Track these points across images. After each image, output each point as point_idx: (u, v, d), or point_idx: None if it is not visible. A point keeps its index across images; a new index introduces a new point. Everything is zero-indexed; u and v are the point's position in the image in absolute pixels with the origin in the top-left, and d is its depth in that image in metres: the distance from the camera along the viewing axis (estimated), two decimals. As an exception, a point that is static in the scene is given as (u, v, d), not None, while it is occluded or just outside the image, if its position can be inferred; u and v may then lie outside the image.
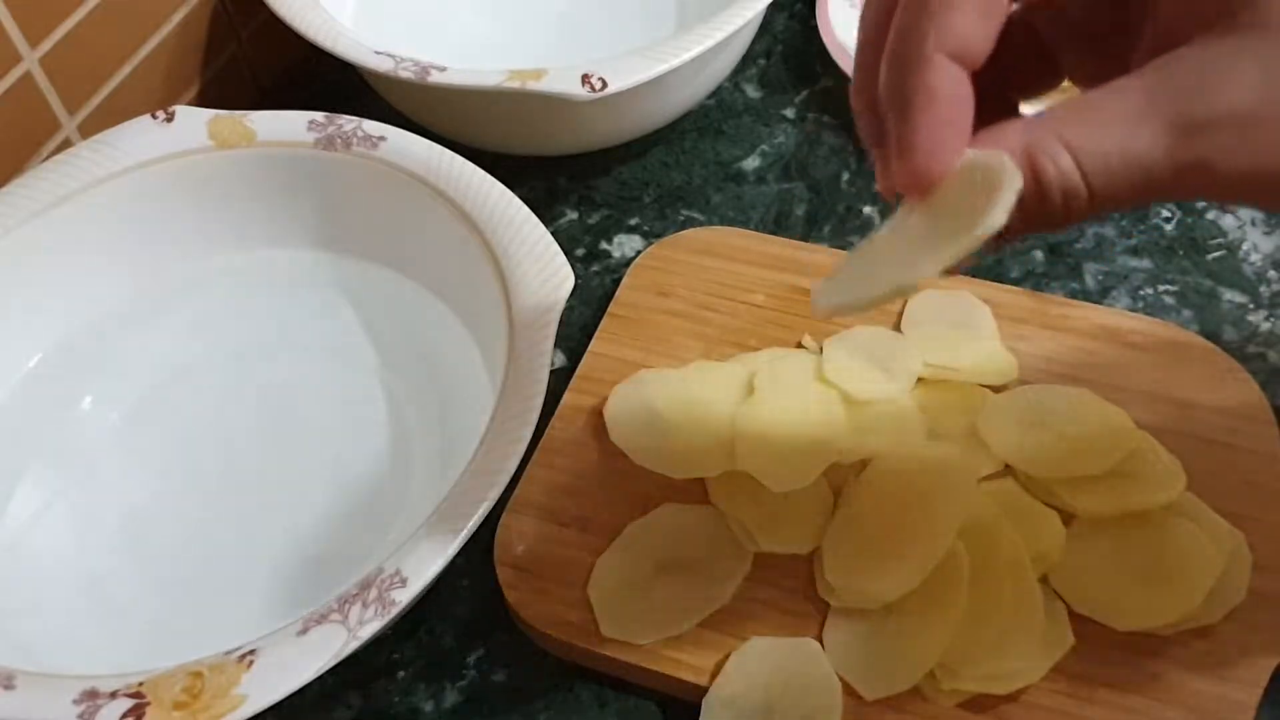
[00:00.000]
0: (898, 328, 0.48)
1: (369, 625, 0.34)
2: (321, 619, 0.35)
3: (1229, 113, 0.23)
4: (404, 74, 0.49)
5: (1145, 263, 0.53)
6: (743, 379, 0.46)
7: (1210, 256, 0.53)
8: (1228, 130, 0.23)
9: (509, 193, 0.46)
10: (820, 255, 0.51)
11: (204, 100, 0.61)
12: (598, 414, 0.46)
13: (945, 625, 0.39)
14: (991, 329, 0.47)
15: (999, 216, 0.24)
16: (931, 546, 0.40)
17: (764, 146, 0.60)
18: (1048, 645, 0.39)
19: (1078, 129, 0.24)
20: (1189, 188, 0.24)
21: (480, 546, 0.44)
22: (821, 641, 0.40)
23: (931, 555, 0.40)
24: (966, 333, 0.47)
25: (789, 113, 0.61)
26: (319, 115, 0.49)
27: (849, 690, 0.39)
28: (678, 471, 0.44)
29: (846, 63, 0.59)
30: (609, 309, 0.50)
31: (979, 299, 0.48)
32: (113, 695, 0.33)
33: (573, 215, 0.57)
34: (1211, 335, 0.49)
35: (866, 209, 0.56)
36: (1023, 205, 0.24)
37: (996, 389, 0.46)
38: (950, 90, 0.26)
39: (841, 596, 0.40)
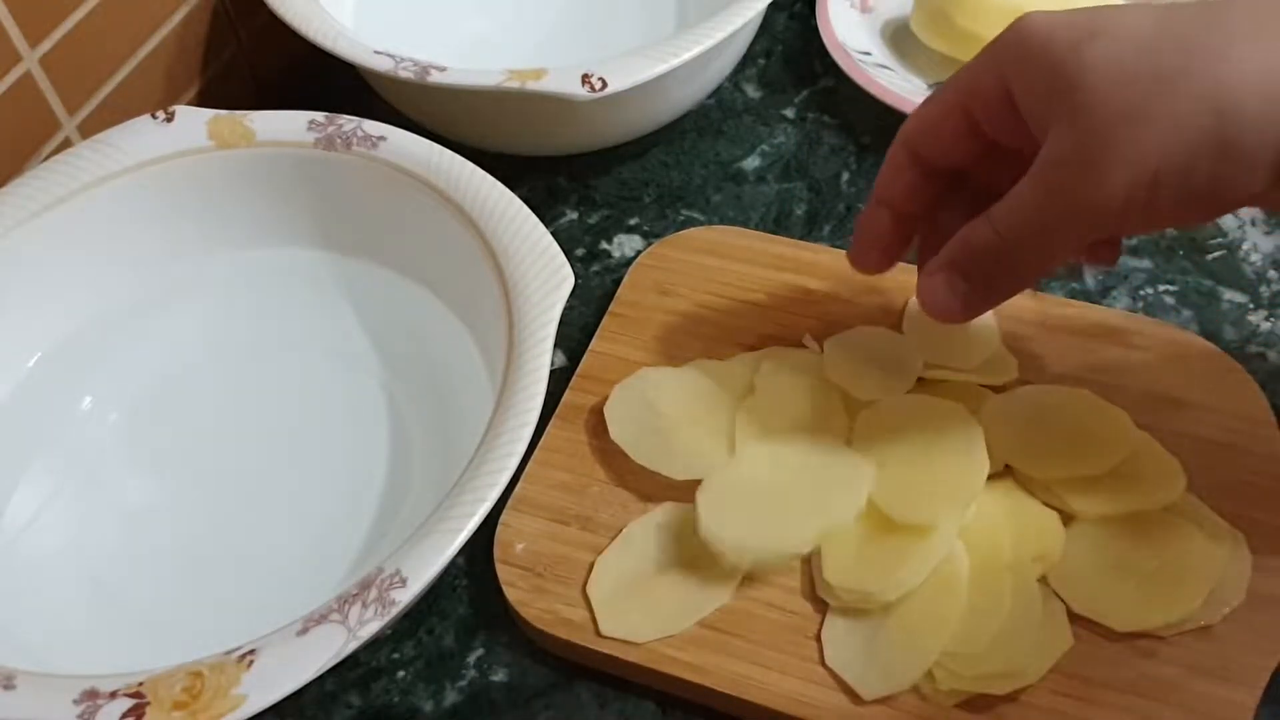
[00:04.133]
0: (898, 328, 0.48)
1: (369, 625, 0.34)
2: (321, 619, 0.35)
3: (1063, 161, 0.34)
4: (404, 74, 0.49)
5: (1145, 263, 0.53)
6: (743, 378, 0.46)
7: (1210, 256, 0.53)
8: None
9: (509, 193, 0.46)
10: (822, 255, 0.51)
11: (204, 100, 0.61)
12: (598, 413, 0.46)
13: (944, 626, 0.39)
14: (992, 329, 0.47)
15: None
16: (931, 547, 0.40)
17: (764, 146, 0.60)
18: (1047, 645, 0.39)
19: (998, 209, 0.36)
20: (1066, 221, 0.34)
21: (480, 546, 0.44)
22: (820, 641, 0.40)
23: (931, 555, 0.40)
24: (966, 333, 0.47)
25: (789, 113, 0.61)
26: (319, 115, 0.49)
27: (846, 689, 0.39)
28: (677, 471, 0.44)
29: (847, 63, 0.59)
30: (610, 308, 0.50)
31: (979, 299, 0.48)
32: (113, 695, 0.33)
33: (573, 215, 0.57)
34: (1211, 335, 0.49)
35: (866, 209, 0.56)
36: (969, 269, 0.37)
37: (997, 389, 0.46)
38: (872, 227, 0.42)
39: (840, 596, 0.40)
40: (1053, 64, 0.33)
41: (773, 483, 0.43)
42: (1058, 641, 0.39)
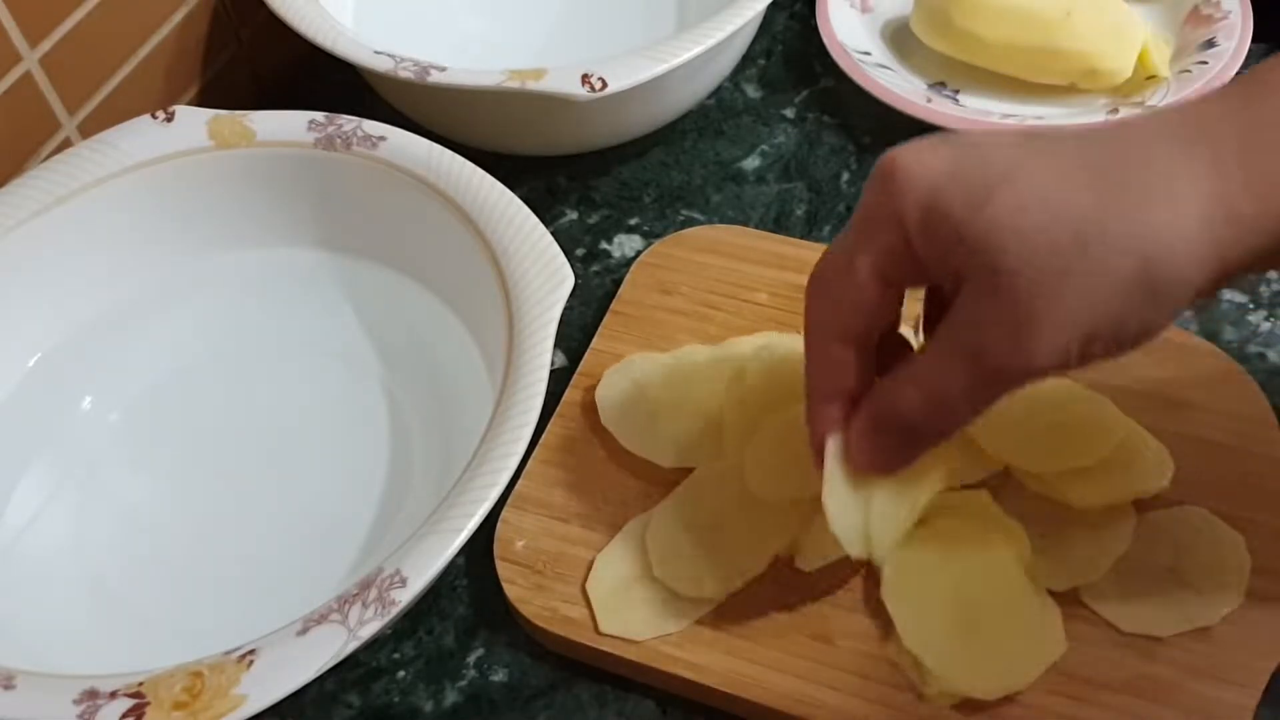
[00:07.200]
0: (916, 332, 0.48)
1: (369, 625, 0.35)
2: (321, 619, 0.35)
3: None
4: (404, 74, 0.49)
5: (1145, 263, 0.53)
6: (733, 364, 0.46)
7: (1210, 257, 0.53)
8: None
9: (509, 193, 0.46)
10: (823, 255, 0.51)
11: (204, 100, 0.61)
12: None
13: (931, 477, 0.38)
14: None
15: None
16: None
17: (764, 146, 0.60)
18: (1040, 650, 0.39)
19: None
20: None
21: (480, 546, 0.44)
22: (822, 640, 0.40)
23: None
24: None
25: (789, 113, 0.61)
26: (319, 115, 0.49)
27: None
28: (666, 459, 0.44)
29: (847, 62, 0.59)
30: (612, 306, 0.50)
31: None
32: (113, 695, 0.34)
33: (573, 215, 0.57)
34: (1211, 335, 0.49)
35: (866, 209, 0.56)
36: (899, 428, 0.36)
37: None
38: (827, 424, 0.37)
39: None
40: (954, 225, 0.32)
41: (716, 511, 0.42)
42: (1051, 646, 0.39)
